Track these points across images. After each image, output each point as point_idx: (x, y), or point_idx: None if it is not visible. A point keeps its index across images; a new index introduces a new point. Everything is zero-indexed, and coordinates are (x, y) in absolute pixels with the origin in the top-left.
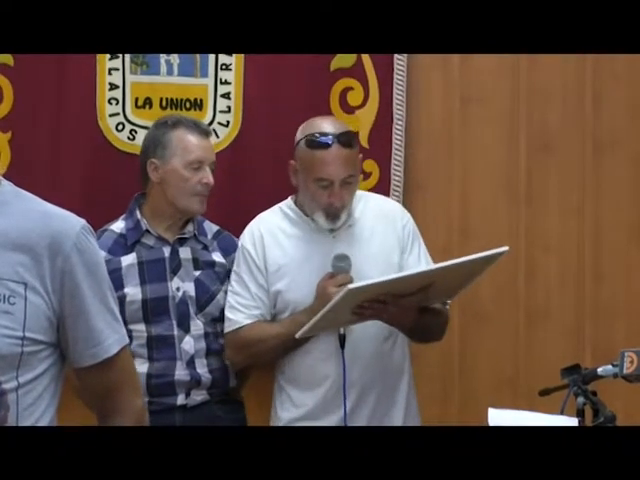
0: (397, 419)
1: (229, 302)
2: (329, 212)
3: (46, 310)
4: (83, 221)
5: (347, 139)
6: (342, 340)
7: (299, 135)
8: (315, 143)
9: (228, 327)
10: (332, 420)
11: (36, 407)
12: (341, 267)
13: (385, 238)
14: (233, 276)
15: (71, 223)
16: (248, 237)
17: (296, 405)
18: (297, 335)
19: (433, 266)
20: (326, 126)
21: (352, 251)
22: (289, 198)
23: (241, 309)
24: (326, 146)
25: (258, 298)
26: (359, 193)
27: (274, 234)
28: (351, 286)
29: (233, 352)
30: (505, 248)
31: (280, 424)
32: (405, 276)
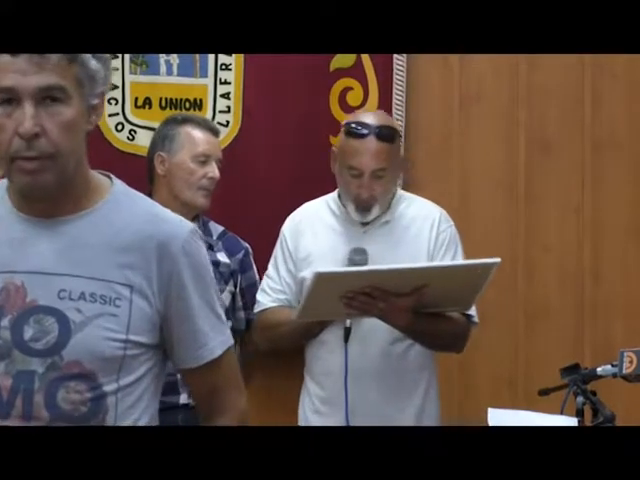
0: (408, 420)
1: (261, 284)
2: (359, 203)
3: (150, 313)
4: (192, 225)
5: (385, 133)
6: (347, 334)
7: (343, 123)
8: (352, 132)
9: (255, 308)
10: (336, 414)
11: (135, 409)
12: (355, 261)
13: (415, 241)
14: (270, 260)
15: (180, 226)
16: (287, 223)
17: (311, 396)
18: (293, 316)
19: (412, 265)
20: (367, 118)
21: (379, 249)
22: (335, 191)
23: (269, 292)
24: (362, 136)
25: (286, 283)
26: (405, 195)
27: (311, 222)
28: (319, 270)
29: (256, 333)
30: (497, 260)
31: (301, 415)
32: (381, 270)
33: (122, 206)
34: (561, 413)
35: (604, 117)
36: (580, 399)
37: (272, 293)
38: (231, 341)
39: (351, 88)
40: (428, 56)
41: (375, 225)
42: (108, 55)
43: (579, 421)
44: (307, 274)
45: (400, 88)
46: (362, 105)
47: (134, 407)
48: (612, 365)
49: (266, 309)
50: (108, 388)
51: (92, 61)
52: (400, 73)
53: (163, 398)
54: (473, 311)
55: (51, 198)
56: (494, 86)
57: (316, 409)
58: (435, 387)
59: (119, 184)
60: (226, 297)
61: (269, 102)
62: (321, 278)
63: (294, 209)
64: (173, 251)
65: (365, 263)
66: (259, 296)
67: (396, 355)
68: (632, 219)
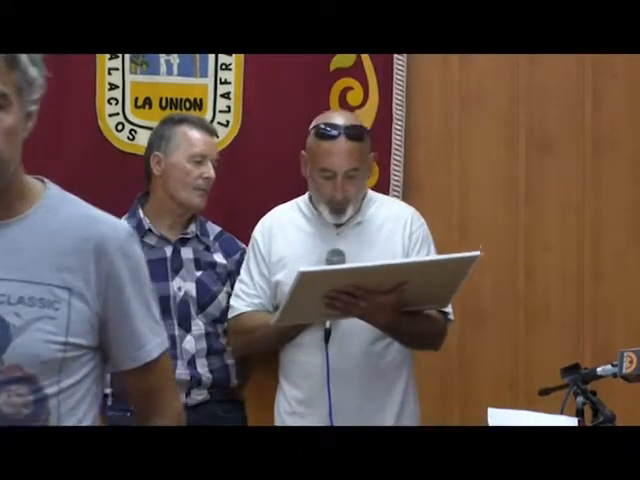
0: (389, 419)
1: (234, 289)
2: (333, 205)
3: (89, 315)
4: (129, 226)
5: (355, 132)
6: (327, 335)
7: (311, 125)
8: (322, 133)
9: (230, 314)
10: (318, 415)
11: (77, 410)
12: (333, 262)
13: (390, 241)
14: (242, 265)
15: (117, 228)
16: (259, 228)
17: (287, 399)
18: (271, 322)
19: (396, 261)
20: (336, 118)
21: (353, 250)
22: (306, 193)
23: (243, 297)
24: (332, 137)
25: (260, 287)
26: (375, 195)
27: (283, 226)
28: (303, 269)
29: (231, 338)
30: (477, 253)
31: (277, 417)
32: (365, 267)
33: (58, 210)
34: (561, 413)
35: (604, 117)
36: (580, 399)
37: (246, 298)
38: (167, 344)
39: (351, 88)
40: (428, 56)
41: (348, 226)
42: (41, 60)
43: (579, 421)
44: (282, 277)
45: (400, 88)
46: (362, 105)
47: (76, 409)
48: (612, 365)
49: (241, 314)
50: (49, 390)
51: (31, 68)
52: (400, 73)
53: None
54: (449, 308)
55: None
56: (494, 86)
57: (293, 411)
58: (413, 385)
59: (53, 188)
60: (223, 298)
61: (269, 102)
62: (305, 277)
63: None
64: (110, 253)
65: (343, 264)
66: (233, 301)
67: (375, 354)
68: (632, 219)
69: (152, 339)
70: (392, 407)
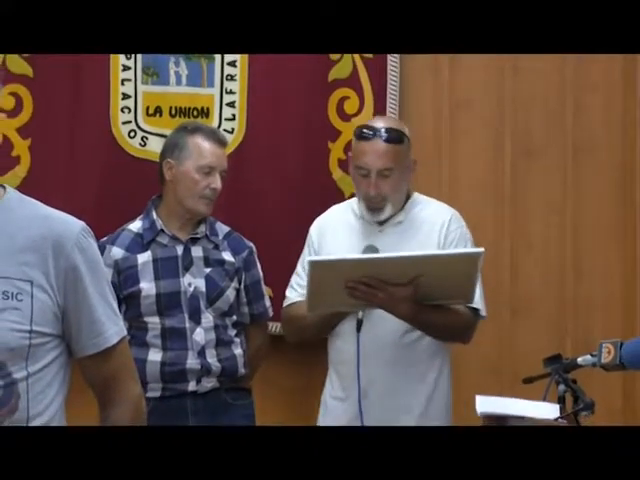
0: (417, 408)
1: (290, 281)
2: (368, 202)
3: (51, 305)
4: (82, 223)
5: (390, 135)
6: (359, 324)
7: (355, 129)
8: (361, 134)
9: (284, 303)
10: (349, 401)
11: (46, 394)
12: None
13: (425, 240)
14: (300, 258)
15: (71, 225)
16: (315, 224)
17: (332, 382)
18: (306, 310)
19: (398, 253)
20: (376, 122)
21: (391, 247)
22: None
23: (295, 287)
24: (368, 138)
25: None
26: (421, 198)
27: (335, 223)
28: (312, 258)
29: (284, 326)
30: (480, 249)
31: (322, 400)
32: (371, 258)
33: (16, 212)
34: (544, 400)
35: (584, 124)
36: (562, 387)
37: (298, 288)
38: (124, 332)
39: (348, 97)
40: (420, 65)
41: (389, 225)
42: None
43: (561, 408)
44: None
45: (393, 97)
46: (358, 113)
47: (44, 392)
48: (592, 355)
49: (292, 303)
50: (18, 375)
51: None
52: (393, 83)
53: (172, 385)
54: (479, 304)
55: None
56: (482, 94)
57: (335, 395)
58: (447, 377)
59: (11, 192)
60: (231, 293)
61: (272, 111)
62: (315, 266)
63: (294, 210)
64: (67, 249)
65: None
66: (287, 292)
67: (407, 344)
68: (610, 219)
69: (110, 327)
70: (421, 396)
